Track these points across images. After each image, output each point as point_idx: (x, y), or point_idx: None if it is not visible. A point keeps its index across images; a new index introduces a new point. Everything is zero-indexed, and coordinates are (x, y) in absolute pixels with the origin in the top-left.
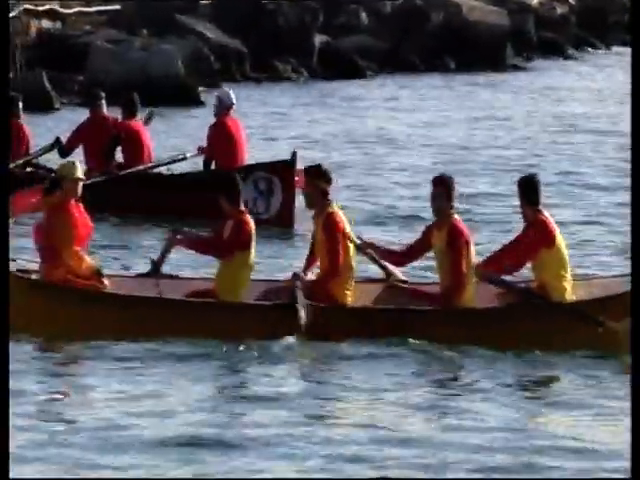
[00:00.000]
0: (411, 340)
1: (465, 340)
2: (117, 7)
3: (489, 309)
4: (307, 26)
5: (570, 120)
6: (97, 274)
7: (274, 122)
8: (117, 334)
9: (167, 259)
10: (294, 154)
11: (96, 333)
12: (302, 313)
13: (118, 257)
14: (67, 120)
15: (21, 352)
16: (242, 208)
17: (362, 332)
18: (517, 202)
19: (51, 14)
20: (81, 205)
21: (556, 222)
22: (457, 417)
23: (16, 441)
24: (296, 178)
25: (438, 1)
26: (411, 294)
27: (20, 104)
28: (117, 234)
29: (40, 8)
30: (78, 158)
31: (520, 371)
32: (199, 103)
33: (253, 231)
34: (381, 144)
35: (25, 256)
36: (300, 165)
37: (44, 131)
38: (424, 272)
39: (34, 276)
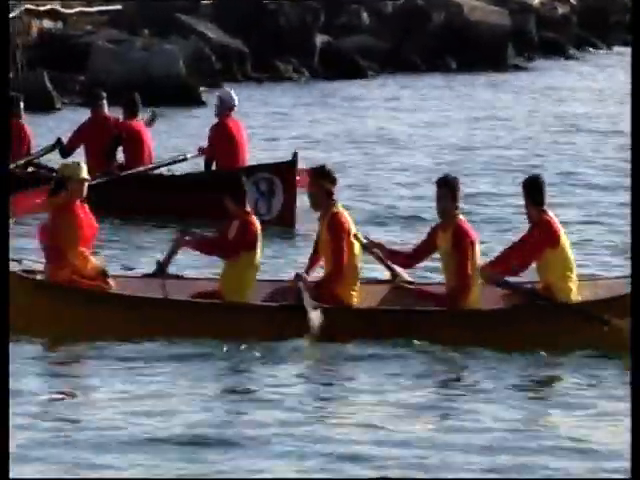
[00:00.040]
0: (416, 341)
1: (470, 341)
2: (118, 7)
3: (494, 310)
4: (308, 26)
5: (571, 120)
6: (102, 275)
7: (275, 122)
8: (122, 335)
9: (173, 260)
10: (295, 155)
11: (101, 334)
12: (312, 315)
13: (119, 258)
14: (68, 120)
15: (26, 352)
16: (247, 208)
17: (368, 333)
18: (518, 202)
19: (52, 14)
20: (86, 206)
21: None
22: (459, 418)
23: (16, 441)
24: (297, 178)
25: (439, 1)
26: (417, 295)
27: (21, 104)
28: (118, 235)
29: (41, 8)
30: (79, 158)
31: (524, 372)
32: (200, 103)
33: (259, 231)
34: (382, 144)
35: (26, 256)
36: (301, 165)
37: (45, 131)
38: (429, 273)
39: (39, 277)
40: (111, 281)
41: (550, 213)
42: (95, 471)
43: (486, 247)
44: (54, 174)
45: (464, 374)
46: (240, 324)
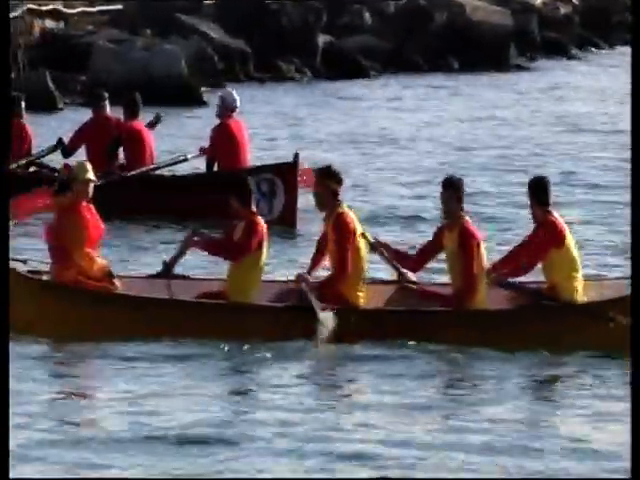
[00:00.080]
0: (422, 342)
1: (476, 342)
2: (119, 7)
3: (500, 311)
4: (311, 26)
5: (573, 120)
6: (108, 275)
7: (277, 122)
8: (128, 335)
9: (181, 260)
10: (296, 155)
11: (107, 334)
12: (321, 316)
13: (121, 258)
14: (70, 120)
15: (31, 353)
16: (253, 209)
17: (373, 333)
18: (519, 201)
19: (54, 14)
20: (92, 206)
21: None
22: (461, 418)
23: (17, 441)
24: (299, 177)
25: (442, 1)
26: (423, 295)
27: (23, 104)
28: (120, 235)
29: (43, 8)
30: (81, 158)
31: (528, 372)
32: (202, 103)
33: (265, 232)
34: (384, 144)
35: (31, 256)
36: (303, 165)
37: (47, 131)
38: (434, 273)
39: (45, 277)
40: (117, 282)
41: (555, 213)
42: (96, 471)
43: (488, 246)
44: (56, 174)
45: (469, 374)
46: (245, 324)
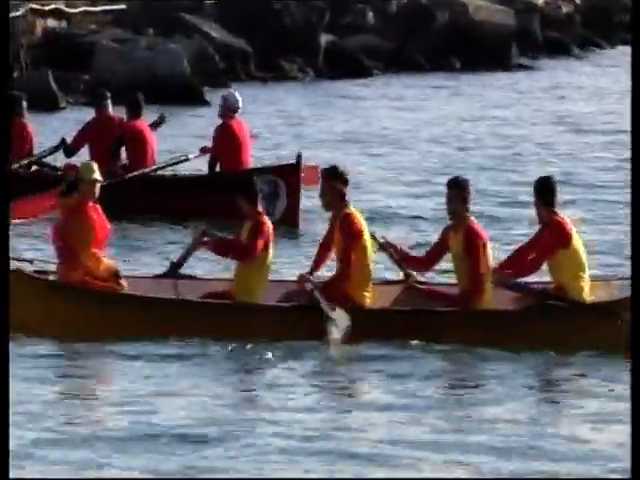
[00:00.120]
0: (429, 342)
1: (483, 342)
2: (122, 6)
3: (507, 311)
4: (313, 25)
5: (575, 119)
6: (115, 275)
7: (279, 121)
8: (135, 335)
9: (189, 260)
10: (299, 156)
11: (114, 334)
12: (333, 315)
13: (122, 258)
14: (73, 119)
15: (37, 353)
16: (260, 209)
17: (380, 333)
18: (521, 200)
19: (57, 13)
20: (99, 207)
21: None
22: (465, 419)
23: (17, 441)
24: (303, 175)
25: (444, 0)
26: (429, 295)
27: (24, 103)
28: (121, 236)
29: (46, 7)
30: (83, 158)
31: (533, 373)
32: (204, 102)
33: (271, 232)
34: (386, 143)
35: (31, 256)
36: (306, 163)
37: (50, 130)
38: (441, 274)
39: (51, 277)
40: (123, 282)
41: (561, 214)
42: (98, 470)
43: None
44: (58, 172)
45: (475, 375)
46: (252, 324)
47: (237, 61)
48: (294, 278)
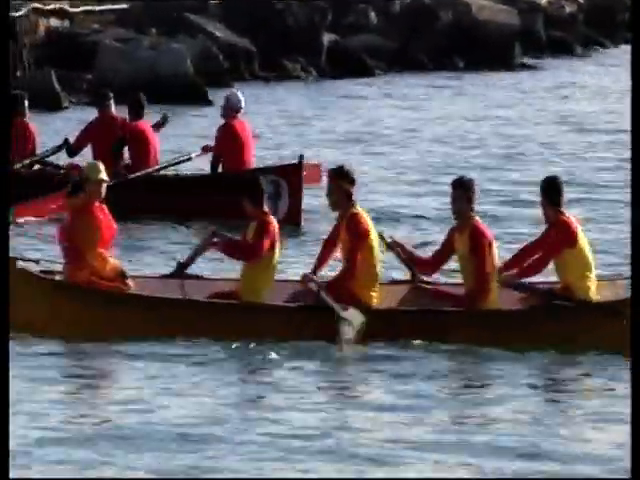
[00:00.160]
0: (435, 342)
1: (489, 342)
2: (125, 6)
3: (514, 311)
4: (316, 25)
5: (578, 119)
6: (121, 275)
7: (282, 121)
8: (141, 335)
9: (197, 260)
10: (301, 157)
11: (120, 334)
12: (345, 315)
13: (124, 258)
14: (75, 119)
15: (44, 353)
16: (265, 209)
17: (386, 333)
18: (523, 199)
19: (60, 13)
20: (105, 207)
21: None
22: (469, 419)
23: (19, 440)
24: (305, 173)
25: (447, 0)
26: (435, 295)
27: (26, 102)
28: (124, 236)
29: (49, 7)
30: (87, 158)
31: (538, 373)
32: (208, 102)
33: (277, 231)
34: (389, 143)
35: (33, 256)
36: (309, 161)
37: (52, 130)
38: (448, 274)
39: (58, 277)
40: (130, 282)
41: (567, 213)
42: (96, 471)
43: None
44: (60, 171)
45: (480, 375)
46: (258, 324)
47: (241, 61)
48: (298, 278)
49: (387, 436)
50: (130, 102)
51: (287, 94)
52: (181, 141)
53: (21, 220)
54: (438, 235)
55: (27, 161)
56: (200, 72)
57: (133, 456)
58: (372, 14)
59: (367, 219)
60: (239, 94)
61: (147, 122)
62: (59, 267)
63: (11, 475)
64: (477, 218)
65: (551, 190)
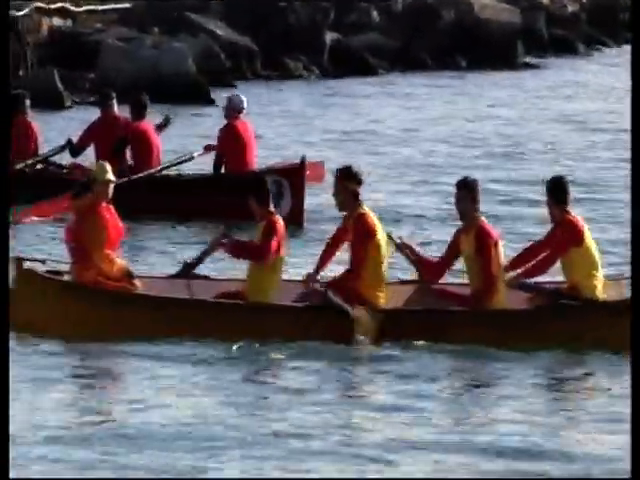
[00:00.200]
0: (441, 342)
1: (496, 342)
2: (128, 5)
3: (521, 310)
4: (318, 24)
5: (581, 118)
6: (128, 276)
7: (284, 120)
8: (148, 335)
9: (205, 261)
10: (303, 158)
11: (127, 334)
12: (357, 314)
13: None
14: (78, 118)
15: (50, 352)
16: (271, 209)
17: (392, 333)
18: (525, 199)
19: (62, 12)
20: (112, 207)
21: None
22: (466, 419)
23: (17, 440)
24: (308, 172)
25: None
26: (442, 295)
27: (27, 101)
28: (128, 236)
29: (51, 6)
30: (89, 158)
31: (543, 372)
32: (210, 101)
33: (283, 231)
34: (391, 142)
35: (39, 256)
36: (311, 160)
37: (55, 129)
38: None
39: (65, 277)
40: (137, 282)
41: (573, 212)
42: (97, 470)
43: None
44: (63, 170)
45: (485, 375)
46: (265, 324)
47: (243, 60)
48: (301, 278)
49: (388, 436)
50: (132, 102)
51: (289, 93)
52: (183, 140)
53: (27, 220)
54: (439, 234)
55: (30, 161)
56: (202, 71)
57: (134, 456)
58: (374, 13)
59: (374, 219)
60: (241, 95)
61: (149, 122)
62: (66, 267)
63: (11, 475)
64: (483, 218)
65: (557, 189)
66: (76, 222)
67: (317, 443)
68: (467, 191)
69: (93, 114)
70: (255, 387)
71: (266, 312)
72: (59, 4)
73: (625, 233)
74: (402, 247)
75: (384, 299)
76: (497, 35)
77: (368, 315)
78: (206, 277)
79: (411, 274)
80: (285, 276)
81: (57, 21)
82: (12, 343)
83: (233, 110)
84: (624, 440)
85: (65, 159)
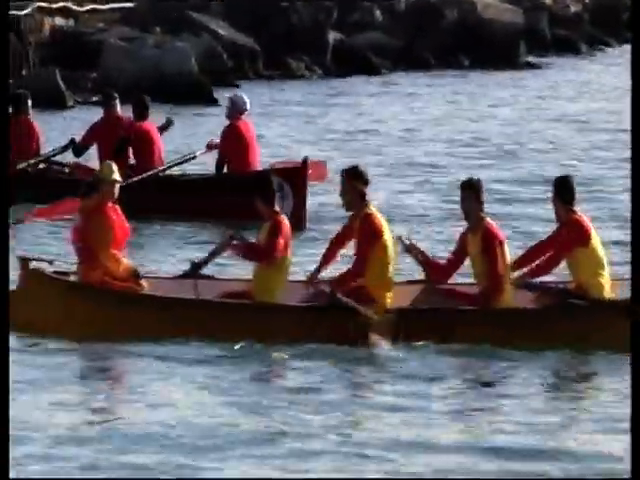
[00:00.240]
0: (448, 341)
1: (503, 341)
2: (130, 5)
3: (528, 310)
4: (321, 23)
5: (582, 117)
6: (134, 276)
7: (287, 119)
8: (154, 335)
9: (213, 261)
10: (305, 159)
11: (133, 334)
12: (367, 315)
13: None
14: (80, 118)
15: (56, 352)
16: (277, 209)
17: (399, 333)
18: (527, 198)
19: (64, 12)
20: (118, 207)
21: None
22: (475, 420)
23: (17, 440)
24: (310, 172)
25: None
26: (449, 295)
27: (29, 101)
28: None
29: (54, 6)
30: (92, 158)
31: (549, 372)
32: (212, 101)
33: (289, 231)
34: (394, 141)
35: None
36: (313, 159)
37: (57, 129)
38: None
39: (71, 278)
40: (143, 282)
41: (579, 212)
42: (97, 471)
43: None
44: (65, 170)
45: (491, 375)
46: (271, 325)
47: (245, 59)
48: (304, 278)
49: (389, 436)
50: (134, 103)
51: (292, 93)
52: (186, 139)
53: (33, 220)
54: (441, 234)
55: (33, 160)
56: (204, 71)
57: (134, 456)
58: (377, 12)
59: (381, 220)
60: (244, 96)
61: (152, 123)
62: (73, 267)
63: (11, 475)
64: (488, 219)
65: (563, 189)
66: (82, 222)
67: (317, 443)
68: (472, 191)
69: (95, 114)
70: (259, 387)
71: (272, 312)
72: (61, 3)
73: (623, 234)
74: (411, 249)
75: (391, 299)
76: (500, 35)
77: (373, 316)
78: (212, 277)
79: (418, 274)
80: (295, 276)
81: (59, 21)
82: (17, 343)
83: (235, 110)
84: (624, 440)
85: (67, 159)
